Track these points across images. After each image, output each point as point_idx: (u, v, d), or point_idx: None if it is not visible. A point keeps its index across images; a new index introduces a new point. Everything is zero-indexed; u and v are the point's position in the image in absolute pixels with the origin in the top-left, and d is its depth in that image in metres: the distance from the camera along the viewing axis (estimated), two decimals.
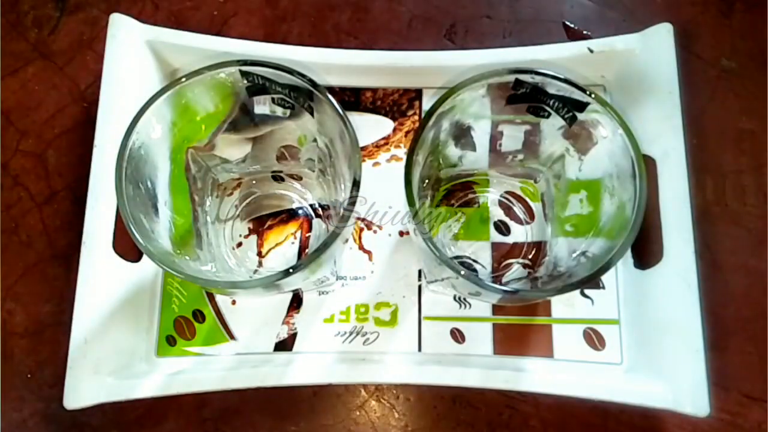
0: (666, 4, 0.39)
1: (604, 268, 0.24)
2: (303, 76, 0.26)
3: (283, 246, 0.34)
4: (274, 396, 0.33)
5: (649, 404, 0.29)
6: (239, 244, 0.34)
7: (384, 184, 0.34)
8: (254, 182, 0.35)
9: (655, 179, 0.31)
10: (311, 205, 0.35)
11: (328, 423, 0.33)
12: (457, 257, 0.34)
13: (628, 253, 0.32)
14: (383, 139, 0.36)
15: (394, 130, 0.36)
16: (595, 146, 0.27)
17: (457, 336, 0.32)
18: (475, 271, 0.33)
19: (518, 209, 0.34)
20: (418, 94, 0.36)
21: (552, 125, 0.28)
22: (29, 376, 0.34)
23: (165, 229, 0.27)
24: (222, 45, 0.34)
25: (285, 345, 0.33)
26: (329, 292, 0.33)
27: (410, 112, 0.36)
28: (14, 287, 0.35)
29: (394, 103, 0.36)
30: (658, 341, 0.30)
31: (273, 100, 0.28)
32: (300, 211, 0.35)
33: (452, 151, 0.31)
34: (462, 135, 0.30)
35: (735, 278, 0.34)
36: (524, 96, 0.27)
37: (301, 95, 0.27)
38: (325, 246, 0.24)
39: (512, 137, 0.30)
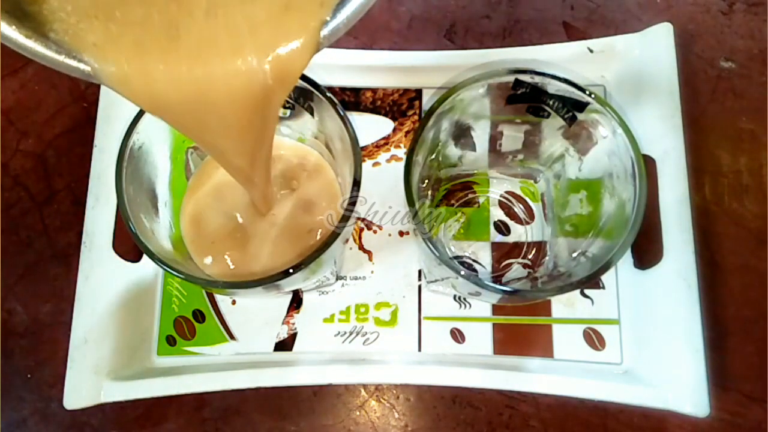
0: (666, 4, 0.39)
1: (604, 268, 0.24)
2: (303, 76, 0.26)
3: None
4: (274, 396, 0.33)
5: (649, 404, 0.29)
6: None
7: (384, 184, 0.34)
8: None
9: (655, 179, 0.31)
10: None
11: (328, 423, 0.33)
12: (457, 257, 0.34)
13: (628, 253, 0.32)
14: (383, 139, 0.36)
15: (394, 130, 0.36)
16: (595, 146, 0.27)
17: (457, 336, 0.32)
18: (475, 271, 0.33)
19: (518, 209, 0.34)
20: (418, 94, 0.36)
21: (552, 125, 0.28)
22: (29, 376, 0.34)
23: (165, 229, 0.27)
24: None
25: (285, 345, 0.33)
26: (329, 292, 0.33)
27: (410, 112, 0.36)
28: (14, 287, 0.35)
29: (394, 103, 0.36)
30: (658, 341, 0.30)
31: None
32: None
33: (452, 151, 0.31)
34: (462, 135, 0.30)
35: (735, 278, 0.34)
36: (524, 96, 0.27)
37: (302, 95, 0.27)
38: (325, 246, 0.24)
39: (512, 137, 0.30)
